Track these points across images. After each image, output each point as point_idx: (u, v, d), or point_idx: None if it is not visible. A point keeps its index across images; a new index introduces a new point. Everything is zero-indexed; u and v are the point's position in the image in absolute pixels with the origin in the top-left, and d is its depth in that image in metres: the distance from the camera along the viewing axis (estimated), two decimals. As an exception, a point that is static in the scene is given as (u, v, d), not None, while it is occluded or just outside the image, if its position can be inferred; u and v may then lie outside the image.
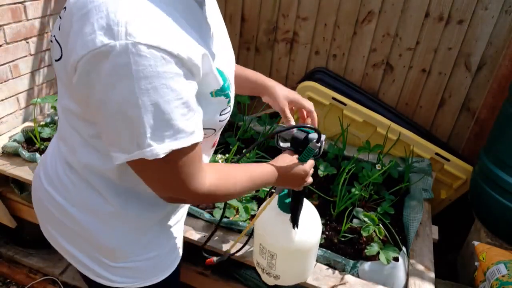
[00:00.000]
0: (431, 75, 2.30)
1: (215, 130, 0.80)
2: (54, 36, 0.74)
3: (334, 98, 2.09)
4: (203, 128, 0.73)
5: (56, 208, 0.87)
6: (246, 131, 2.11)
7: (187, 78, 0.63)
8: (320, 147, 0.95)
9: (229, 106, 0.79)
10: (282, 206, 1.10)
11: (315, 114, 1.04)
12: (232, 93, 0.80)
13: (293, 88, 2.35)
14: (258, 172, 0.87)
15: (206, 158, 0.95)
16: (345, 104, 2.08)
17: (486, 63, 2.17)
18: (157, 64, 0.58)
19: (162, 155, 0.62)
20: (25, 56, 1.94)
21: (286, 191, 1.09)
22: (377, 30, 2.30)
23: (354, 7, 2.29)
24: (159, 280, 0.92)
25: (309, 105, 1.05)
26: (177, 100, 0.62)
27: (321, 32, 2.42)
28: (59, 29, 0.71)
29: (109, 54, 0.57)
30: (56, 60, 0.73)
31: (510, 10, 2.03)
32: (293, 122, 1.01)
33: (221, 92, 0.75)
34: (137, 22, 0.58)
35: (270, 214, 1.14)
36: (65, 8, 0.71)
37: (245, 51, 2.64)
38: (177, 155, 0.65)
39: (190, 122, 0.65)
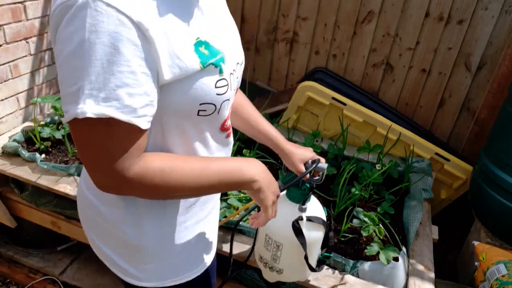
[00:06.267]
0: (431, 75, 2.30)
1: (215, 106, 0.76)
2: None
3: (334, 98, 2.09)
4: (202, 103, 0.74)
5: (91, 208, 0.89)
6: (246, 131, 2.11)
7: (143, 52, 0.63)
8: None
9: (224, 79, 0.76)
10: (290, 196, 1.11)
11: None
12: (226, 68, 0.77)
13: (293, 88, 2.36)
14: (219, 164, 0.79)
15: (216, 146, 0.87)
16: (345, 104, 2.08)
17: (486, 63, 2.17)
18: (109, 22, 0.59)
19: (89, 115, 0.60)
20: (25, 56, 1.93)
21: (292, 174, 1.11)
22: (377, 30, 2.30)
23: (354, 7, 2.29)
24: (190, 279, 0.93)
25: (322, 160, 1.13)
26: (123, 66, 0.61)
27: (321, 32, 2.42)
28: None
29: (72, 7, 0.60)
30: None
31: (510, 10, 2.03)
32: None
33: (212, 61, 0.73)
34: None
35: (278, 204, 1.14)
36: None
37: (245, 51, 2.62)
38: (107, 124, 0.63)
39: (132, 98, 0.63)
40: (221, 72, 0.75)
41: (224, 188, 0.81)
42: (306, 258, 1.14)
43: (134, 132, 0.66)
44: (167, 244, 0.88)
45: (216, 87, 0.75)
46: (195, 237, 0.93)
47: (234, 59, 0.83)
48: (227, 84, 0.77)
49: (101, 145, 0.65)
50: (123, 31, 0.60)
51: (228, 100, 0.80)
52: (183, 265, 0.93)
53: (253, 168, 0.82)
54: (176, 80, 0.70)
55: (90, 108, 0.60)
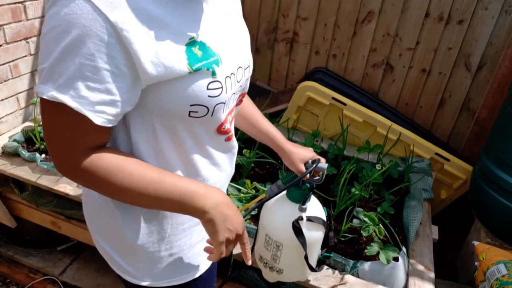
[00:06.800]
0: (431, 75, 2.30)
1: (207, 108, 0.75)
2: None
3: (334, 98, 2.09)
4: (192, 104, 0.73)
5: (92, 206, 0.90)
6: (246, 131, 2.11)
7: (113, 50, 0.64)
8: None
9: (218, 81, 0.75)
10: (290, 195, 1.11)
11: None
12: (221, 71, 0.76)
13: (293, 88, 2.36)
14: (176, 182, 0.75)
15: (214, 149, 0.86)
16: (345, 104, 2.09)
17: (486, 63, 2.17)
18: (82, 16, 0.61)
19: (45, 96, 0.64)
20: (25, 56, 1.94)
21: (292, 175, 1.11)
22: (377, 30, 2.30)
23: (354, 7, 2.29)
24: (187, 281, 0.93)
25: (323, 160, 1.14)
26: (86, 59, 0.62)
27: (321, 32, 2.42)
28: None
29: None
30: None
31: (510, 10, 2.03)
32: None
33: (202, 64, 0.73)
34: None
35: (278, 204, 1.15)
36: None
37: (245, 51, 2.64)
38: (63, 110, 0.65)
39: (90, 91, 0.64)
40: (213, 74, 0.75)
41: (172, 208, 0.78)
42: (306, 258, 1.14)
43: (87, 124, 0.66)
44: (164, 245, 0.88)
45: (208, 89, 0.74)
46: (193, 239, 0.92)
47: (235, 63, 0.82)
48: (221, 87, 0.76)
49: (56, 128, 0.68)
50: (93, 26, 0.61)
51: (224, 103, 0.78)
52: (180, 266, 0.92)
53: (209, 198, 0.77)
54: (165, 80, 0.70)
55: (47, 90, 0.64)
